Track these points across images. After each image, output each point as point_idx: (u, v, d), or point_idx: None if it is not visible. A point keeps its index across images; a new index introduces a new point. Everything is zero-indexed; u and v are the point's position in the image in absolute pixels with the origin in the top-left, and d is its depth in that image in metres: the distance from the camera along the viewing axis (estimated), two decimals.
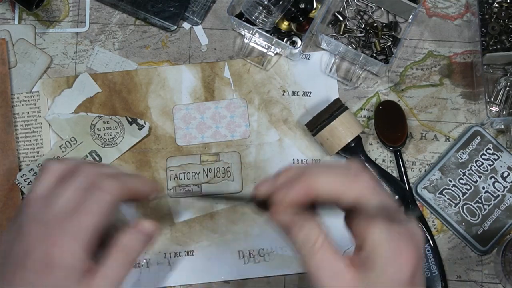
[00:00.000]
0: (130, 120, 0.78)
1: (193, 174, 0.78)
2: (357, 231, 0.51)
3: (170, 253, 0.77)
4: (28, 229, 0.52)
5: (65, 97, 0.79)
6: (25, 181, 0.77)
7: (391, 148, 0.78)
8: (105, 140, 0.78)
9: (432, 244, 0.76)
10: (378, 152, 0.79)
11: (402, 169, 0.78)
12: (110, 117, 0.78)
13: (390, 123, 0.78)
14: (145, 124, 0.78)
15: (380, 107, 0.78)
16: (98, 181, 0.54)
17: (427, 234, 0.76)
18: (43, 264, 0.51)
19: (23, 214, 0.53)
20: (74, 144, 0.78)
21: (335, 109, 0.75)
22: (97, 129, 0.78)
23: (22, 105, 0.79)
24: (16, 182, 0.77)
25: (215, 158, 0.78)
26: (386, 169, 0.78)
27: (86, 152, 0.78)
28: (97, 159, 0.78)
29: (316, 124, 0.75)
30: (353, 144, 0.75)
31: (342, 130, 0.74)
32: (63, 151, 0.78)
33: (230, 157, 0.78)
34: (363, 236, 0.50)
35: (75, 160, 0.58)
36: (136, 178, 0.58)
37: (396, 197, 0.75)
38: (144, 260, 0.77)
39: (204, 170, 0.78)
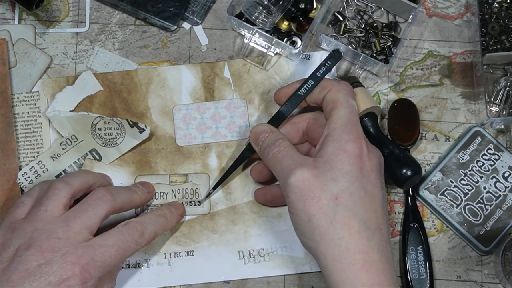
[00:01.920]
0: (131, 123, 0.78)
1: (161, 194, 0.78)
2: (327, 107, 0.67)
3: (170, 253, 0.77)
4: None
5: (66, 94, 0.79)
6: (26, 180, 0.77)
7: (400, 147, 0.78)
8: (105, 139, 0.78)
9: (425, 245, 0.76)
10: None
11: None
12: (111, 118, 0.78)
13: (403, 121, 0.77)
14: (146, 128, 0.77)
15: (395, 104, 0.78)
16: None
17: (422, 237, 0.76)
18: None
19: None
20: (74, 142, 0.78)
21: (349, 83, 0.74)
22: (98, 128, 0.78)
23: (22, 105, 0.79)
24: (18, 181, 0.77)
25: (184, 179, 0.78)
26: None
27: (87, 151, 0.78)
28: (97, 157, 0.78)
29: None
30: (365, 119, 0.74)
31: None
32: (63, 148, 0.78)
33: (199, 179, 0.78)
34: (331, 111, 0.66)
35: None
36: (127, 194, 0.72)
37: (409, 173, 0.72)
38: (144, 260, 0.77)
39: (172, 190, 0.78)
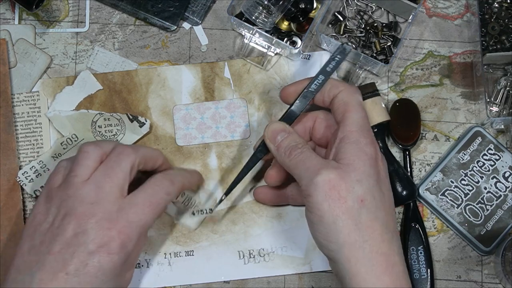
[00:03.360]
0: (131, 117, 0.78)
1: None
2: (339, 108, 0.67)
3: (170, 253, 0.77)
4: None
5: (66, 94, 0.79)
6: (26, 179, 0.77)
7: (400, 146, 0.78)
8: (106, 137, 0.78)
9: (425, 245, 0.76)
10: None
11: (409, 169, 0.78)
12: (111, 114, 0.78)
13: (404, 121, 0.77)
14: (146, 121, 0.78)
15: (397, 104, 0.78)
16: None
17: (422, 237, 0.76)
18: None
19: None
20: (75, 141, 0.78)
21: (367, 91, 0.75)
22: (98, 126, 0.78)
23: (22, 105, 0.79)
24: (18, 180, 0.77)
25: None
26: None
27: None
28: None
29: None
30: (375, 130, 0.75)
31: (369, 113, 0.74)
32: (64, 148, 0.78)
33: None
34: (344, 113, 0.66)
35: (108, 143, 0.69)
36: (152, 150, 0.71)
37: (407, 196, 0.75)
38: (144, 260, 0.76)
39: None
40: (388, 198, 0.64)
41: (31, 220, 0.65)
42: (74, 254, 0.61)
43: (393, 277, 0.60)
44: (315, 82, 0.69)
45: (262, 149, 0.70)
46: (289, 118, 0.70)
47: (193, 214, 0.77)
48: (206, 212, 0.77)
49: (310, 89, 0.69)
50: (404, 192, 0.75)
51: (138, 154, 0.67)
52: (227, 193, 0.73)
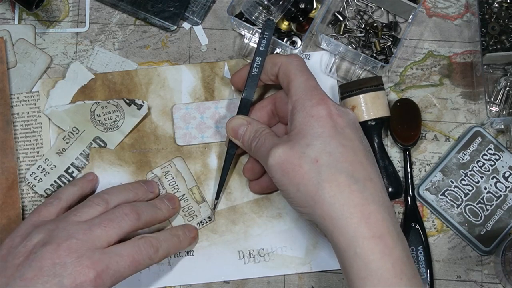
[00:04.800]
0: (128, 101, 0.78)
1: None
2: (284, 82, 0.68)
3: None
4: None
5: (60, 89, 0.79)
6: (35, 179, 0.77)
7: (401, 146, 0.78)
8: (106, 125, 0.78)
9: (425, 245, 0.76)
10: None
11: (409, 169, 0.77)
12: (108, 101, 0.78)
13: (405, 121, 0.77)
14: (144, 103, 0.78)
15: (398, 104, 0.78)
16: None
17: (422, 237, 0.76)
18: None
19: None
20: (76, 133, 0.78)
21: (372, 84, 0.75)
22: (97, 115, 0.78)
23: (22, 105, 0.79)
24: (27, 182, 0.77)
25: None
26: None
27: (90, 140, 0.78)
28: (102, 144, 0.78)
29: (348, 89, 0.75)
30: (373, 123, 0.75)
31: (370, 105, 0.74)
32: (67, 142, 0.78)
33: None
34: (288, 85, 0.67)
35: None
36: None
37: (390, 189, 0.74)
38: None
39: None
40: (351, 148, 0.63)
41: (7, 241, 0.65)
42: (46, 285, 0.60)
43: (370, 226, 0.59)
44: (255, 65, 0.72)
45: (232, 145, 0.73)
46: (245, 107, 0.73)
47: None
48: (206, 222, 0.77)
49: (252, 73, 0.72)
50: (390, 189, 0.74)
51: (140, 222, 0.68)
52: (217, 197, 0.76)
